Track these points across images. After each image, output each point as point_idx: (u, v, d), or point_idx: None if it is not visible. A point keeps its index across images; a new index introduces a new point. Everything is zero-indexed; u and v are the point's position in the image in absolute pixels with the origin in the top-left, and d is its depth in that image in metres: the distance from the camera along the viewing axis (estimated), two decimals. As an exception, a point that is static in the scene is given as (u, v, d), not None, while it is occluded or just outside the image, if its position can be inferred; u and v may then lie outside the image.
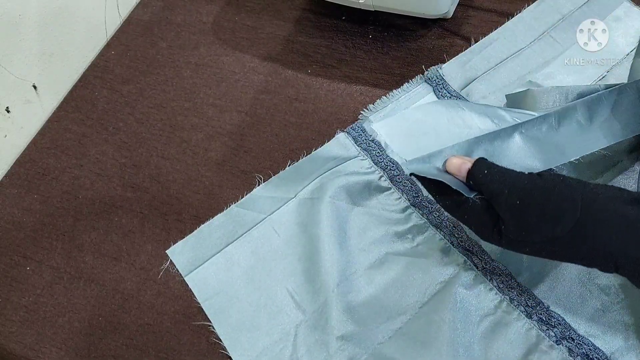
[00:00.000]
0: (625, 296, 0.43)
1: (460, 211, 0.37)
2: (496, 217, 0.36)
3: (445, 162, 0.38)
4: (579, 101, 0.43)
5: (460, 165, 0.37)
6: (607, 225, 0.32)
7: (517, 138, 0.40)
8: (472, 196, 0.37)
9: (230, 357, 0.46)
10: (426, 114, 0.41)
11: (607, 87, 0.44)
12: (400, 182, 0.52)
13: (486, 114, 0.41)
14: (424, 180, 0.39)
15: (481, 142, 0.40)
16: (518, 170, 0.36)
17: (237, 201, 0.54)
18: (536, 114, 0.41)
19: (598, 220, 0.32)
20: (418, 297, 0.46)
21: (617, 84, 0.44)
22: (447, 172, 0.38)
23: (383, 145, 0.54)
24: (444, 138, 0.39)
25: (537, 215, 0.33)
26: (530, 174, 0.35)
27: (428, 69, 0.59)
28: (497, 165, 0.36)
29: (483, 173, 0.36)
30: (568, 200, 0.33)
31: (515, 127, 0.41)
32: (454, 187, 0.36)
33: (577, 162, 0.42)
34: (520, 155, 0.40)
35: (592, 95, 0.43)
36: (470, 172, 0.36)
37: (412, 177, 0.39)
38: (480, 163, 0.37)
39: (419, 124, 0.40)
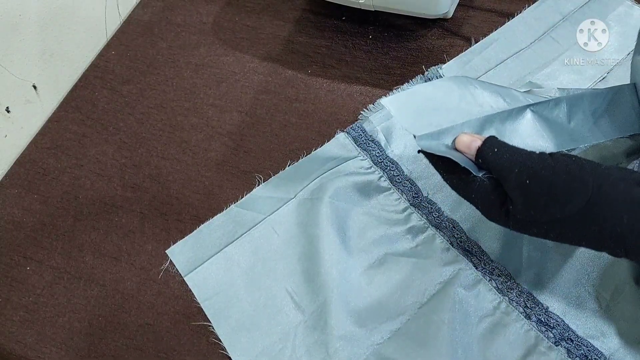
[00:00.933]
0: (624, 297, 0.43)
1: (468, 190, 0.37)
2: (504, 196, 0.35)
3: (454, 139, 0.37)
4: (587, 92, 0.43)
5: (470, 142, 0.36)
6: (618, 206, 0.31)
7: (529, 118, 0.40)
8: (480, 175, 0.36)
9: (229, 357, 0.46)
10: (437, 89, 0.39)
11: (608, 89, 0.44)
12: (400, 182, 0.52)
13: (499, 92, 0.40)
14: (432, 157, 0.38)
15: (493, 121, 0.39)
16: (529, 150, 0.36)
17: (237, 201, 0.54)
18: (549, 97, 0.41)
19: (609, 200, 0.32)
20: (417, 298, 0.46)
21: (617, 86, 0.44)
22: (456, 149, 0.37)
23: (383, 145, 0.54)
24: (455, 115, 0.38)
25: (547, 194, 0.33)
26: (541, 153, 0.34)
27: (428, 69, 0.59)
28: (507, 144, 0.36)
29: (493, 151, 0.35)
30: (579, 180, 0.32)
31: (527, 107, 0.40)
32: (462, 165, 0.36)
33: (585, 148, 0.43)
34: (532, 136, 0.39)
35: (594, 90, 0.43)
36: (480, 150, 0.36)
37: (420, 153, 0.38)
38: (491, 141, 0.36)
39: (429, 100, 0.39)
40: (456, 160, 0.36)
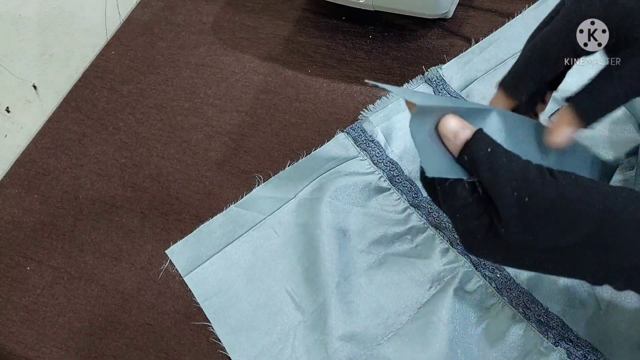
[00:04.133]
0: (624, 298, 0.43)
1: (448, 200, 0.29)
2: (493, 214, 0.28)
3: (440, 120, 0.29)
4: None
5: (459, 130, 0.28)
6: (630, 233, 0.27)
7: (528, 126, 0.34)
8: (465, 178, 0.29)
9: (229, 357, 0.46)
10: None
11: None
12: (400, 182, 0.52)
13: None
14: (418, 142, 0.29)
15: (494, 116, 0.31)
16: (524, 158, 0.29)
17: (237, 201, 0.54)
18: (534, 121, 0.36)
19: (619, 226, 0.27)
20: (417, 298, 0.46)
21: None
22: (438, 135, 0.29)
23: (383, 145, 0.54)
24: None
25: (549, 217, 0.27)
26: (539, 166, 0.28)
27: (428, 69, 0.58)
28: (501, 146, 0.28)
29: (485, 151, 0.28)
30: (586, 203, 0.27)
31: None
32: (440, 164, 0.28)
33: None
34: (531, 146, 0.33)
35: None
36: (468, 145, 0.28)
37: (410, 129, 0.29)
38: (483, 136, 0.28)
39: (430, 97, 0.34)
40: (433, 152, 0.28)
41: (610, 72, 0.32)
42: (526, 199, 0.27)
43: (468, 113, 0.30)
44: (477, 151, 0.28)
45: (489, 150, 0.28)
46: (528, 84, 0.33)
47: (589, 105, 0.32)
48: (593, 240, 0.27)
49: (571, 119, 0.32)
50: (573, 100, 0.32)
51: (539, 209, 0.27)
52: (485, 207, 0.28)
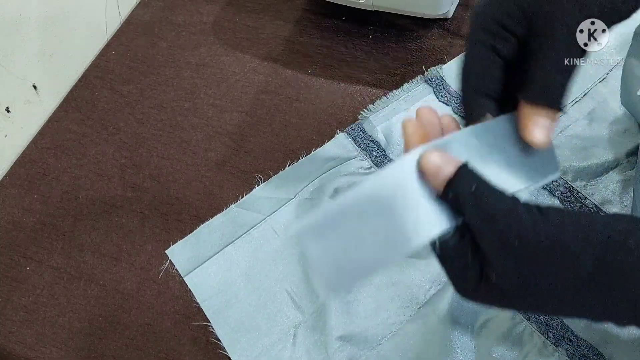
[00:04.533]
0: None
1: (433, 245, 0.27)
2: (483, 258, 0.26)
3: (421, 155, 0.27)
4: None
5: (441, 165, 0.26)
6: (632, 267, 0.24)
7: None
8: (454, 226, 0.26)
9: (229, 358, 0.46)
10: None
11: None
12: (400, 182, 0.52)
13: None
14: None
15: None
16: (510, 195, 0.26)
17: (237, 201, 0.54)
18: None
19: (620, 261, 0.24)
20: (417, 298, 0.46)
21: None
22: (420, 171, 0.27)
23: (383, 145, 0.54)
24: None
25: (542, 259, 0.25)
26: (527, 204, 0.26)
27: (428, 70, 0.58)
28: (486, 182, 0.26)
29: (470, 189, 0.26)
30: (581, 240, 0.25)
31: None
32: (425, 211, 0.26)
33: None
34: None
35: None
36: (451, 182, 0.26)
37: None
38: (467, 172, 0.26)
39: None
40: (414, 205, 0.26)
41: (542, 57, 0.29)
42: (516, 243, 0.25)
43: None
44: (461, 189, 0.26)
45: (474, 188, 0.26)
46: (479, 102, 0.31)
47: (548, 92, 0.29)
48: (597, 276, 0.25)
49: (541, 113, 0.29)
50: (529, 97, 0.29)
51: (531, 252, 0.25)
52: (475, 252, 0.26)
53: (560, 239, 0.25)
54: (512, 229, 0.25)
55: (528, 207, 0.26)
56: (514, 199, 0.26)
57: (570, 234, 0.25)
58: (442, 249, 0.27)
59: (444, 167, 0.26)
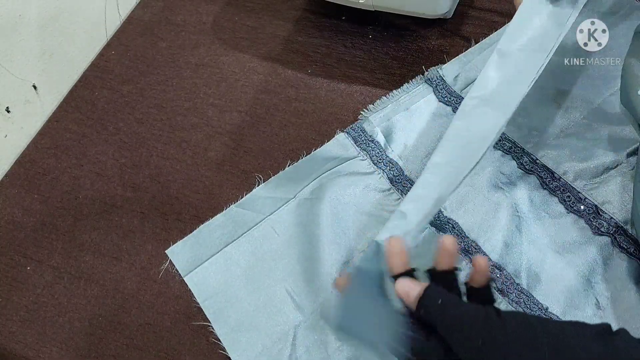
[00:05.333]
0: (624, 298, 0.43)
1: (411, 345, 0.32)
2: (454, 356, 0.31)
3: (394, 282, 0.34)
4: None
5: (409, 290, 0.32)
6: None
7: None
8: (432, 342, 0.32)
9: (229, 357, 0.46)
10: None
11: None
12: (400, 182, 0.52)
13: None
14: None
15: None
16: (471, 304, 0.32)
17: (237, 201, 0.54)
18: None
19: (571, 357, 0.29)
20: (417, 298, 0.46)
21: None
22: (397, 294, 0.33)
23: (383, 145, 0.54)
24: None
25: (503, 356, 0.29)
26: (486, 309, 0.31)
27: (428, 70, 0.58)
28: (450, 294, 0.32)
29: (436, 303, 0.31)
30: (532, 343, 0.30)
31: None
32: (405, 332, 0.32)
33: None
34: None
35: None
36: (421, 300, 0.32)
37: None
38: (432, 290, 0.32)
39: None
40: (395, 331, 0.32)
41: None
42: (479, 343, 0.30)
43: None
44: (429, 306, 0.31)
45: (439, 302, 0.31)
46: None
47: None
48: None
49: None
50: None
51: (492, 351, 0.29)
52: (446, 351, 0.31)
53: (514, 340, 0.29)
54: (474, 333, 0.30)
55: (488, 312, 0.31)
56: (476, 307, 0.31)
57: (523, 338, 0.30)
58: (418, 353, 0.32)
59: (411, 291, 0.32)
